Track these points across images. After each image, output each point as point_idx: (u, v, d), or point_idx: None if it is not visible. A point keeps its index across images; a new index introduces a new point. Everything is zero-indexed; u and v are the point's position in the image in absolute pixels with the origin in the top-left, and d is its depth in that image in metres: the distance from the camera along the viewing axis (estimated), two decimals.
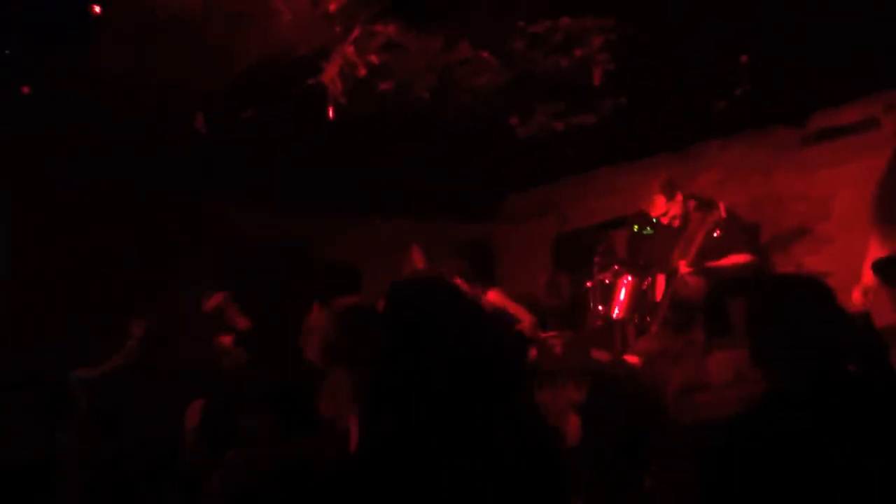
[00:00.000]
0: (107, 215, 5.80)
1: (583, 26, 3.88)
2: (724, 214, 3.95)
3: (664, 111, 5.08)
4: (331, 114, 4.07)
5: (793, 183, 5.38)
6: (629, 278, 5.60)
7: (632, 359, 3.85)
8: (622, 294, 5.71)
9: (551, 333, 3.30)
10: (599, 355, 3.62)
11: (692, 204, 4.30)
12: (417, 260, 5.68)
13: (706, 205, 4.38)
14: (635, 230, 6.11)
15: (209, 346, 5.15)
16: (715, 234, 4.04)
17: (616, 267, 5.77)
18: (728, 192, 5.47)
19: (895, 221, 3.04)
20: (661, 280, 4.55)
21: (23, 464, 4.47)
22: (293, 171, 5.90)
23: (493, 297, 4.88)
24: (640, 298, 5.29)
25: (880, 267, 3.03)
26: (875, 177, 4.80)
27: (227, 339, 4.82)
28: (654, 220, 4.73)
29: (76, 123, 4.41)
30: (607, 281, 5.85)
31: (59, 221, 5.61)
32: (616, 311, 5.73)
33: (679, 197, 4.27)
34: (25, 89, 3.80)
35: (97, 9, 3.07)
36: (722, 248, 4.05)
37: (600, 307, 5.85)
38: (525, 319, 4.53)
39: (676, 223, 4.27)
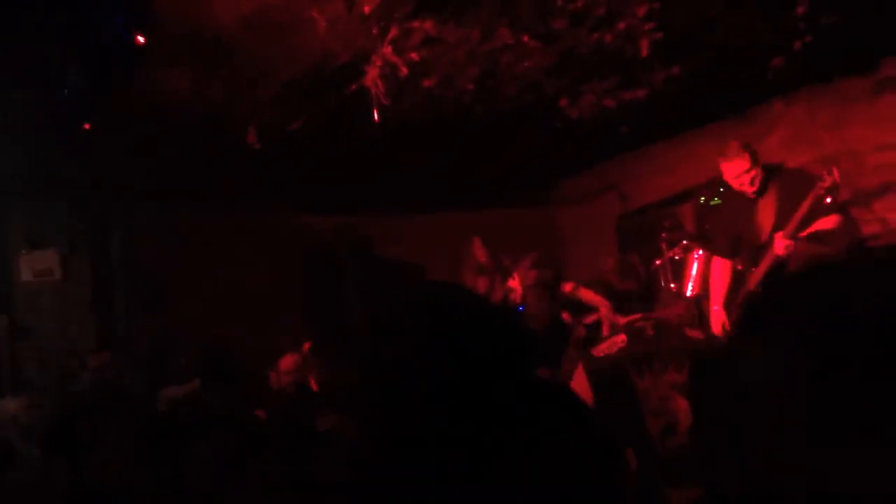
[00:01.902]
0: (181, 232, 6.02)
1: None
2: (838, 178, 3.58)
3: (719, 76, 4.87)
4: (376, 116, 4.06)
5: (867, 135, 5.07)
6: (700, 252, 5.40)
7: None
8: (694, 269, 5.52)
9: (636, 316, 3.11)
10: (694, 333, 3.41)
11: (767, 171, 4.01)
12: (479, 253, 5.65)
13: (779, 171, 4.10)
14: (702, 202, 5.89)
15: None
16: (827, 201, 3.69)
17: (685, 242, 5.58)
18: (797, 152, 5.22)
19: None
20: (718, 259, 4.29)
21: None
22: (350, 174, 5.96)
23: (568, 289, 4.76)
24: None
25: None
26: None
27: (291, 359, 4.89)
28: (723, 191, 4.49)
29: (132, 148, 4.58)
30: (677, 257, 5.67)
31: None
32: (690, 287, 5.54)
33: (758, 160, 3.97)
34: (87, 126, 3.95)
35: (141, 38, 3.16)
36: (811, 217, 3.71)
37: (672, 285, 5.68)
38: (602, 306, 4.38)
39: (756, 186, 3.94)
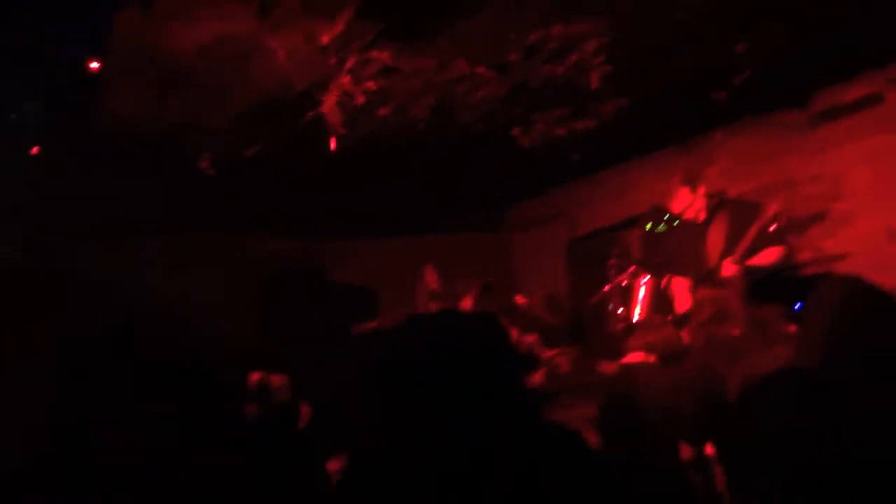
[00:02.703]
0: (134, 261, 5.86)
1: (575, 32, 3.88)
2: (780, 208, 3.80)
3: (665, 107, 5.07)
4: (332, 144, 4.09)
5: (803, 166, 5.33)
6: (647, 278, 5.56)
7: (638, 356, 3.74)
8: (641, 295, 5.68)
9: (555, 351, 3.14)
10: (607, 367, 3.52)
11: (714, 200, 4.20)
12: (431, 280, 5.69)
13: (724, 201, 4.30)
14: (648, 228, 6.08)
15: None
16: (771, 229, 3.89)
17: (632, 268, 5.74)
18: (738, 181, 5.44)
19: None
20: (678, 280, 4.46)
21: None
22: (304, 198, 5.94)
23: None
24: (659, 298, 5.25)
25: None
26: (885, 151, 4.76)
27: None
28: (668, 217, 4.68)
29: (83, 173, 4.48)
30: (625, 283, 5.82)
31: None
32: (637, 312, 5.70)
33: (702, 190, 4.17)
34: (35, 150, 3.86)
35: (94, 64, 3.13)
36: (757, 244, 3.92)
37: (620, 310, 5.82)
38: (530, 340, 4.46)
39: (702, 216, 4.16)
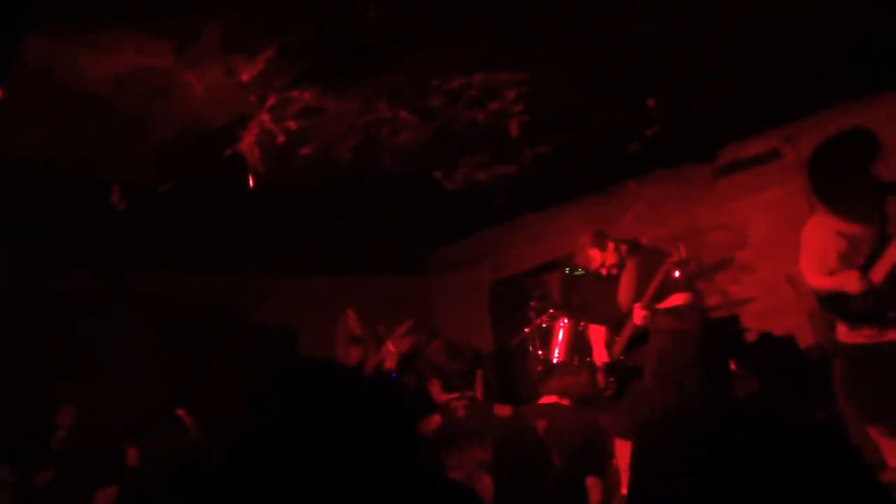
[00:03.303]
0: (26, 298, 5.54)
1: (496, 80, 3.99)
2: (684, 254, 3.97)
3: (582, 156, 5.25)
4: (251, 182, 4.02)
5: (709, 214, 5.62)
6: (565, 321, 5.68)
7: (552, 398, 3.82)
8: (560, 336, 5.79)
9: (453, 396, 3.18)
10: (501, 411, 3.58)
11: (623, 249, 4.37)
12: (353, 324, 5.61)
13: (636, 248, 4.47)
14: (567, 272, 6.23)
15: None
16: (676, 275, 4.06)
17: (551, 311, 5.85)
18: (649, 227, 5.67)
19: (819, 236, 3.08)
20: (594, 326, 4.57)
21: None
22: (221, 236, 5.79)
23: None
24: (577, 339, 5.36)
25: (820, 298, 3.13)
26: (783, 203, 5.06)
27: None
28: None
29: None
30: (544, 325, 5.92)
31: None
32: (556, 353, 5.79)
33: (611, 245, 4.33)
34: None
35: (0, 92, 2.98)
36: (664, 290, 4.09)
37: (540, 351, 5.91)
38: (433, 387, 4.39)
39: (615, 272, 4.33)
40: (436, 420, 3.15)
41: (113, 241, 5.34)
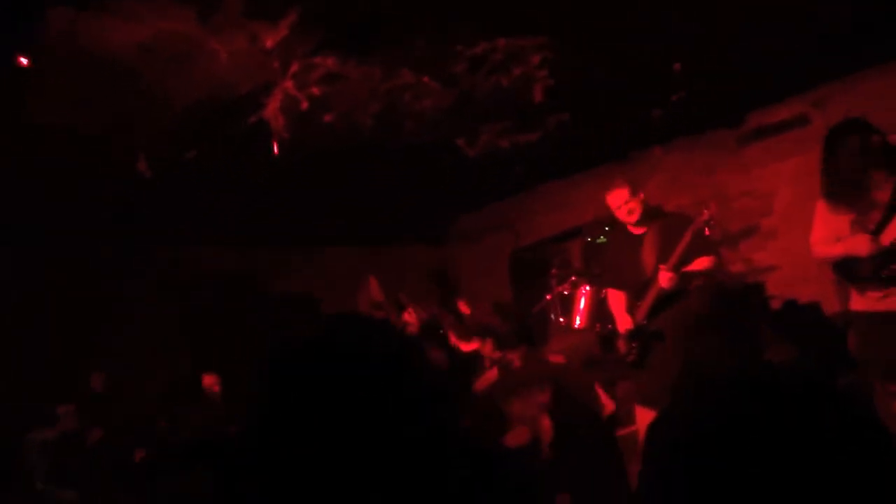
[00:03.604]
0: (55, 266, 5.63)
1: (519, 45, 3.94)
2: (715, 213, 4.01)
3: (605, 122, 5.19)
4: (275, 149, 4.03)
5: (734, 182, 5.55)
6: (587, 288, 5.67)
7: (558, 358, 3.93)
8: (581, 304, 5.79)
9: (507, 351, 3.47)
10: (556, 358, 3.78)
11: (649, 210, 4.34)
12: (375, 291, 5.66)
13: (660, 213, 4.43)
14: (588, 240, 6.21)
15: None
16: (706, 233, 4.08)
17: (573, 278, 5.85)
18: (674, 194, 5.62)
19: (833, 206, 3.20)
20: (615, 292, 4.56)
21: None
22: (244, 206, 5.84)
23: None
24: (599, 306, 5.35)
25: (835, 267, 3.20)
26: (810, 171, 4.99)
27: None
28: (607, 229, 4.78)
29: (16, 173, 4.29)
30: (566, 292, 5.93)
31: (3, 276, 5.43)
32: (578, 320, 5.80)
33: (641, 196, 4.29)
34: None
35: (24, 60, 3.00)
36: (690, 252, 4.08)
37: (562, 319, 5.93)
38: (486, 345, 4.58)
39: (634, 217, 4.26)
40: (493, 374, 3.36)
41: (136, 211, 5.40)
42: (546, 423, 3.22)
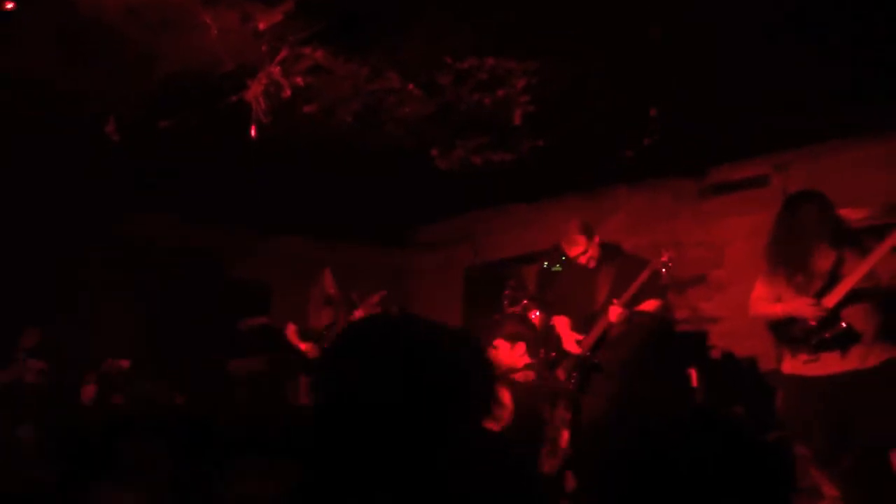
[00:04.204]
0: (20, 225, 5.44)
1: (507, 67, 4.02)
2: (672, 257, 4.16)
3: (577, 155, 5.31)
4: (253, 132, 4.01)
5: (691, 230, 5.73)
6: (537, 313, 5.76)
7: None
8: None
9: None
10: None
11: (607, 250, 4.49)
12: (328, 284, 5.65)
13: (617, 252, 4.58)
14: (545, 266, 6.31)
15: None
16: (663, 272, 4.22)
17: (525, 301, 5.93)
18: (633, 235, 5.76)
19: (778, 268, 3.33)
20: (562, 320, 4.67)
21: None
22: (207, 184, 5.76)
23: None
24: (545, 333, 5.44)
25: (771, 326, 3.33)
26: (765, 230, 5.18)
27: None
28: (565, 259, 4.88)
29: None
30: (516, 314, 5.99)
31: None
32: None
33: (597, 239, 4.44)
34: None
35: (10, 5, 2.93)
36: (643, 292, 4.22)
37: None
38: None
39: (592, 264, 4.42)
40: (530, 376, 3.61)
41: (102, 179, 5.27)
42: (565, 435, 3.68)
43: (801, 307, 3.16)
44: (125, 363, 4.82)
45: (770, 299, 3.35)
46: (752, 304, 3.44)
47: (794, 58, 3.86)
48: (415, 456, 1.01)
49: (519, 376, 4.12)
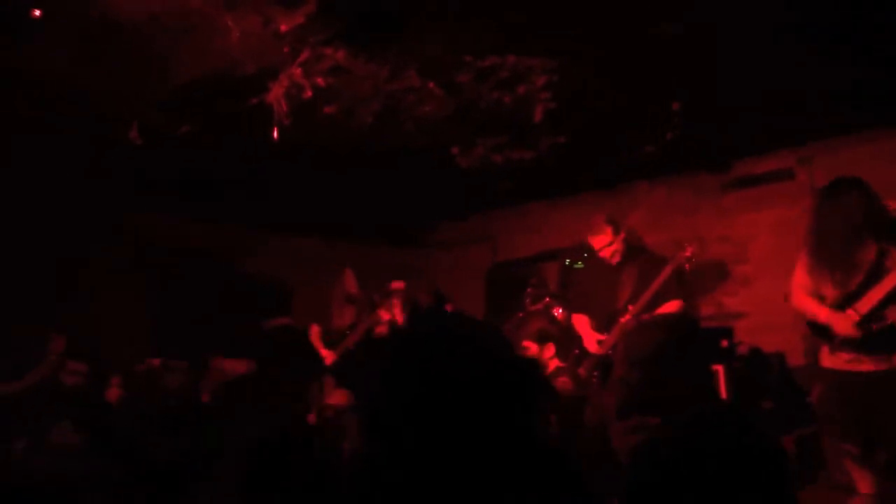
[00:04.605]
0: (25, 223, 5.51)
1: (528, 65, 4.00)
2: (694, 252, 4.14)
3: (598, 151, 5.28)
4: (275, 134, 4.02)
5: (714, 226, 5.67)
6: (559, 311, 5.73)
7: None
8: None
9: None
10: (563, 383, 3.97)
11: (631, 246, 4.45)
12: (350, 284, 5.66)
13: (641, 251, 4.55)
14: (566, 264, 6.28)
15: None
16: (686, 269, 4.19)
17: (547, 299, 5.91)
18: (653, 231, 5.71)
19: (820, 258, 3.20)
20: (581, 318, 4.66)
21: None
22: (229, 183, 5.79)
23: None
24: (568, 330, 5.42)
25: (811, 326, 3.24)
26: (790, 223, 5.13)
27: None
28: (587, 256, 4.86)
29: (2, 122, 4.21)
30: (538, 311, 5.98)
31: None
32: None
33: (623, 234, 4.40)
34: None
35: (37, 12, 2.96)
36: (664, 291, 4.17)
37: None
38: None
39: (617, 258, 4.38)
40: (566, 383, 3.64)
41: (118, 178, 5.32)
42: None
43: (842, 323, 3.07)
44: (156, 362, 4.83)
45: (810, 290, 3.23)
46: (793, 291, 3.31)
47: (819, 53, 3.80)
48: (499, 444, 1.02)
49: (557, 384, 4.10)
